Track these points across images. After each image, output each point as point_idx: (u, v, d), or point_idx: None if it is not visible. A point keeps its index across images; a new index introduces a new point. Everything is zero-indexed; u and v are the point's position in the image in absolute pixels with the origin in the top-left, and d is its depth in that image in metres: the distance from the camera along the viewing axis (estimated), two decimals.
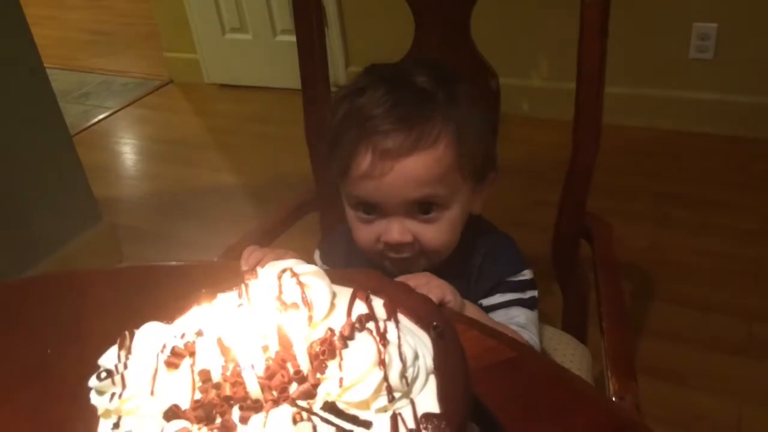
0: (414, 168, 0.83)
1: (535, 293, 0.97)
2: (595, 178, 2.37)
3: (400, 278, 0.81)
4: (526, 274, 0.97)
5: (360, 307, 0.54)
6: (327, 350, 0.48)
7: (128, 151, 3.16)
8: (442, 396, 0.46)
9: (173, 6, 3.39)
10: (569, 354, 1.18)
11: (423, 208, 0.86)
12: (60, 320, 0.80)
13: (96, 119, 3.33)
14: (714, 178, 2.40)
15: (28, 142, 2.08)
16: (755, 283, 1.92)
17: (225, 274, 0.82)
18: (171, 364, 0.48)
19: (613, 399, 0.87)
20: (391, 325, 0.50)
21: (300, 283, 0.53)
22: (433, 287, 0.79)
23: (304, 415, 0.43)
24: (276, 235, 1.26)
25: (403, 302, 0.54)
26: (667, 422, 1.58)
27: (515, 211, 2.07)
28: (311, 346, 0.49)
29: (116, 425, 0.46)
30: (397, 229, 0.86)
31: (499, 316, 0.93)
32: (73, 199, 2.22)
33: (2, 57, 1.99)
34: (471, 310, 0.83)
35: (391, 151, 0.82)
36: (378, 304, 0.55)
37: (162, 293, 0.73)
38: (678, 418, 1.58)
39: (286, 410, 0.44)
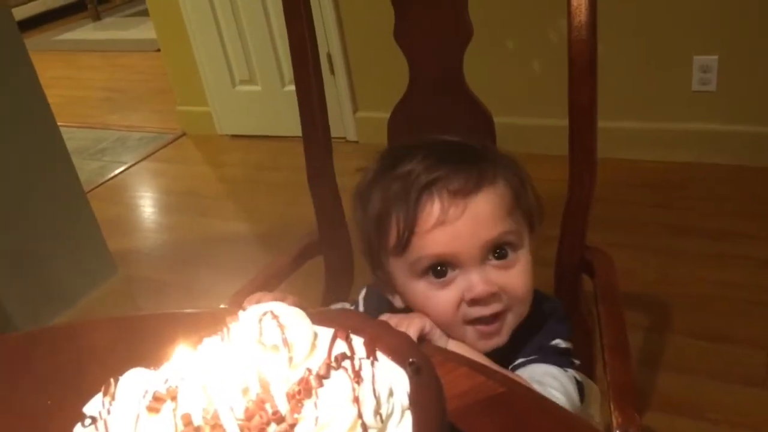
0: (485, 205, 0.81)
1: (569, 357, 0.91)
2: (603, 212, 2.38)
3: (382, 317, 0.83)
4: (563, 343, 0.91)
5: (340, 347, 0.55)
6: (303, 390, 0.49)
7: (143, 204, 3.22)
8: (417, 431, 0.47)
9: (184, 60, 3.48)
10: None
11: (499, 252, 0.82)
12: (62, 371, 0.82)
13: (112, 174, 3.40)
14: (723, 209, 2.39)
15: (43, 197, 2.13)
16: None
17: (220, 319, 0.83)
18: (152, 409, 0.49)
19: None
20: (366, 362, 0.51)
21: (280, 325, 0.54)
22: (413, 321, 0.80)
23: None
24: (281, 279, 1.27)
25: (382, 340, 0.55)
26: None
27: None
28: (291, 386, 0.51)
29: None
30: (479, 280, 0.81)
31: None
32: (89, 252, 2.26)
33: (17, 116, 2.06)
34: (454, 345, 0.83)
35: (461, 191, 0.80)
36: (358, 343, 0.56)
37: (161, 341, 0.75)
38: None
39: None
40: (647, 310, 2.00)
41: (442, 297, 0.82)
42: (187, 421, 0.49)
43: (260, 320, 0.55)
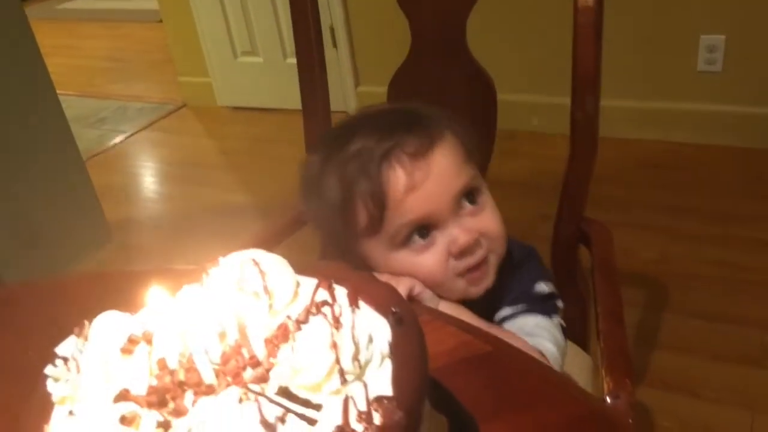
0: (444, 159, 0.81)
1: (557, 303, 0.93)
2: (605, 191, 2.37)
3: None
4: (545, 288, 0.92)
5: (323, 296, 0.54)
6: (280, 334, 0.48)
7: (142, 174, 3.20)
8: (397, 379, 0.46)
9: (186, 31, 3.45)
10: (569, 361, 1.16)
11: (469, 197, 0.84)
12: (43, 322, 0.80)
13: (111, 143, 3.38)
14: (726, 189, 2.37)
15: (41, 164, 2.13)
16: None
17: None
18: (126, 351, 0.48)
19: (608, 399, 0.86)
20: (346, 309, 0.49)
21: (261, 272, 0.53)
22: (401, 280, 0.79)
23: (251, 396, 0.43)
24: (272, 245, 1.26)
25: (365, 290, 0.54)
26: None
27: (524, 226, 2.05)
28: (269, 332, 0.49)
29: (71, 412, 0.46)
30: (461, 231, 0.82)
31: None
32: (85, 219, 2.26)
33: (17, 84, 2.05)
34: (446, 307, 0.82)
35: (418, 152, 0.80)
36: (341, 292, 0.54)
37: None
38: (691, 430, 1.55)
39: (234, 392, 0.44)
40: (645, 288, 2.00)
41: (430, 258, 0.82)
42: (162, 364, 0.48)
43: (241, 266, 0.53)
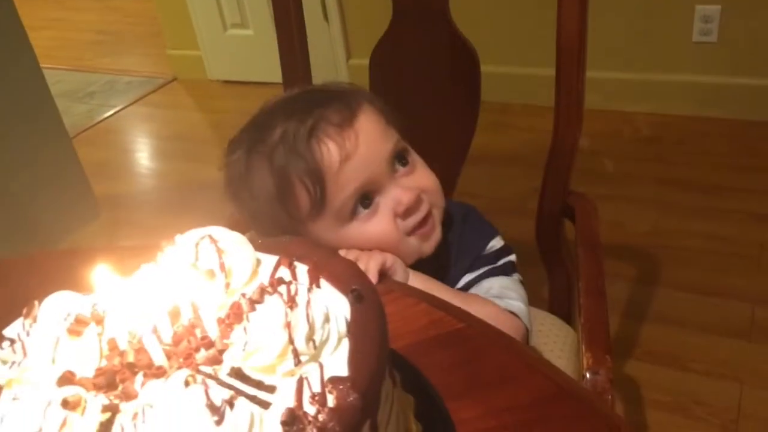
0: (369, 124, 0.81)
1: (509, 258, 0.93)
2: (596, 164, 2.34)
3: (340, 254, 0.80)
4: (495, 243, 0.94)
5: (284, 274, 0.52)
6: (233, 314, 0.46)
7: (132, 149, 3.17)
8: (353, 359, 0.44)
9: (176, 3, 3.40)
10: (553, 335, 1.16)
11: (401, 159, 0.85)
12: (14, 301, 0.79)
13: (101, 118, 3.34)
14: (720, 162, 2.35)
15: (25, 139, 2.10)
16: (759, 267, 1.88)
17: None
18: (73, 332, 0.46)
19: (588, 375, 0.85)
20: (302, 288, 0.48)
21: (218, 249, 0.51)
22: (373, 255, 0.78)
23: (198, 378, 0.42)
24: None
25: (327, 268, 0.52)
26: (666, 407, 1.55)
27: (516, 200, 2.04)
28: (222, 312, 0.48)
29: (16, 396, 0.45)
30: (402, 191, 0.83)
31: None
32: (72, 195, 2.24)
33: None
34: (417, 280, 0.81)
35: (343, 122, 0.79)
36: (302, 270, 0.53)
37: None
38: (678, 403, 1.55)
39: (182, 374, 0.42)
40: (636, 262, 1.98)
41: (378, 224, 0.83)
42: (113, 345, 0.47)
43: (197, 244, 0.52)
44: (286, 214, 0.82)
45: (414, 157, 0.87)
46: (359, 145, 0.79)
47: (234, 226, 1.15)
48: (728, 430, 1.47)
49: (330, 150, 0.78)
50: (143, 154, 3.12)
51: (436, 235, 0.86)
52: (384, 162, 0.82)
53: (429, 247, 0.86)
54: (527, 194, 2.23)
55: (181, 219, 2.49)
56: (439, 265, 0.90)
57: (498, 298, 0.87)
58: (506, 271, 0.91)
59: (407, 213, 0.83)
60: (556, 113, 1.15)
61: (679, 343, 1.70)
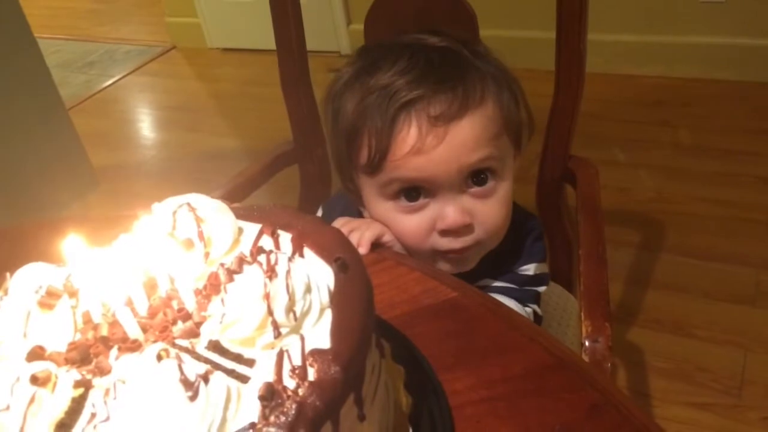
0: (469, 130, 0.73)
1: (536, 288, 0.88)
2: (601, 129, 2.30)
3: (338, 221, 0.78)
4: (531, 269, 0.87)
5: (266, 243, 0.50)
6: (210, 285, 0.44)
7: (131, 119, 3.14)
8: (335, 331, 0.42)
9: None
10: (553, 303, 1.14)
11: (478, 179, 0.76)
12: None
13: (100, 88, 3.31)
14: (727, 126, 2.30)
15: (21, 111, 2.08)
16: (765, 232, 1.85)
17: None
18: (45, 305, 0.44)
19: (587, 342, 0.83)
20: (283, 257, 0.45)
21: (197, 218, 0.49)
22: (371, 225, 0.76)
23: (172, 352, 0.40)
24: (253, 187, 1.22)
25: (311, 236, 0.50)
26: (670, 374, 1.54)
27: (521, 167, 2.00)
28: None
29: None
30: (453, 209, 0.74)
31: None
32: (69, 166, 2.22)
33: None
34: None
35: (442, 116, 0.72)
36: (286, 239, 0.51)
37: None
38: (682, 369, 1.54)
39: (155, 348, 0.40)
40: (641, 228, 1.96)
41: (412, 223, 0.77)
42: (87, 318, 0.45)
43: (174, 213, 0.49)
44: (348, 153, 0.79)
45: (498, 184, 0.77)
46: (438, 147, 0.72)
47: (236, 192, 1.15)
48: (732, 396, 1.46)
49: (408, 135, 0.72)
50: (143, 124, 3.09)
51: (465, 267, 0.80)
52: (455, 172, 0.74)
53: (450, 271, 0.78)
54: (529, 160, 2.19)
55: (181, 189, 2.47)
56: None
57: None
58: (524, 299, 0.86)
59: (445, 233, 0.76)
60: (557, 76, 1.12)
61: (682, 309, 1.68)
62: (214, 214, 0.50)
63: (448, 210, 0.75)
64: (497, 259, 0.85)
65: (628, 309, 1.70)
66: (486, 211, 0.77)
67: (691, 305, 1.69)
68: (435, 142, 0.72)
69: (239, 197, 1.17)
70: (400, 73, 0.74)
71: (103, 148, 2.67)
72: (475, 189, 0.76)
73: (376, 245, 0.75)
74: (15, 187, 2.04)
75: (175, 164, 2.65)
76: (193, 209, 0.49)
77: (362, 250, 0.73)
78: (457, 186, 0.75)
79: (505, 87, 0.78)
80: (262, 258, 0.45)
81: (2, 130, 2.00)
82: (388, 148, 0.73)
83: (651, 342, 1.62)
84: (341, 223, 0.78)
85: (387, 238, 0.77)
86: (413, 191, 0.76)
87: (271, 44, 1.28)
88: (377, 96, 0.74)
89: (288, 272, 0.44)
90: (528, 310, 0.86)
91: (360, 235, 0.75)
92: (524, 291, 0.86)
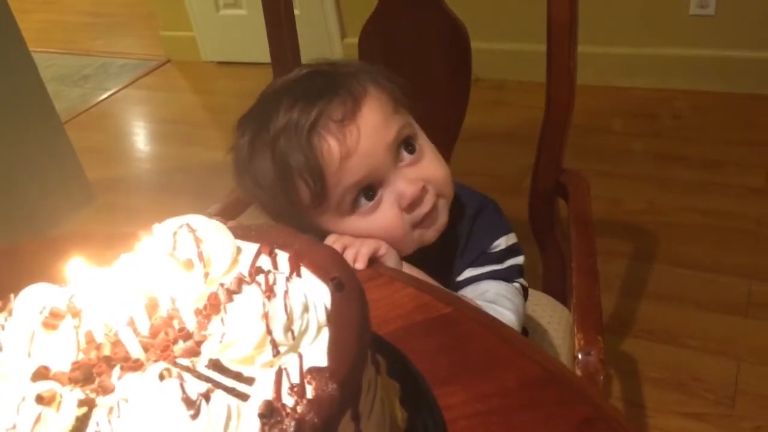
0: (373, 115, 0.79)
1: (516, 261, 0.91)
2: (593, 140, 2.32)
3: (330, 238, 0.79)
4: (502, 242, 0.91)
5: (264, 263, 0.51)
6: (210, 305, 0.45)
7: (126, 132, 3.15)
8: (332, 349, 0.44)
9: None
10: (547, 316, 1.15)
11: (407, 146, 0.82)
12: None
13: (95, 101, 3.32)
14: (717, 137, 2.33)
15: (16, 125, 2.08)
16: (756, 242, 1.87)
17: None
18: (48, 326, 0.46)
19: (580, 356, 0.85)
20: (281, 277, 0.47)
21: (196, 239, 0.50)
22: (366, 241, 0.77)
23: (174, 371, 0.41)
24: (249, 203, 1.23)
25: (308, 256, 0.51)
26: (664, 384, 1.55)
27: (511, 178, 2.03)
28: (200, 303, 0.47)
29: None
30: (405, 184, 0.80)
31: (467, 293, 0.87)
32: (64, 180, 2.23)
33: None
34: (407, 269, 0.80)
35: (345, 117, 0.77)
36: (283, 258, 0.52)
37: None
38: (675, 379, 1.55)
39: (157, 368, 0.42)
40: (632, 238, 1.98)
41: (382, 217, 0.81)
42: (90, 338, 0.46)
43: (175, 234, 0.51)
44: (288, 204, 0.81)
45: (422, 142, 0.84)
46: (360, 140, 0.77)
47: (232, 207, 1.16)
48: (725, 406, 1.47)
49: (330, 147, 0.77)
50: (138, 138, 3.10)
51: (440, 222, 0.84)
52: (386, 152, 0.79)
53: (431, 235, 0.84)
54: (522, 172, 2.22)
55: (177, 202, 2.49)
56: (445, 255, 0.89)
57: (492, 303, 0.84)
58: (510, 275, 0.89)
59: (412, 206, 0.81)
60: (548, 90, 1.14)
61: (675, 319, 1.70)
62: (213, 235, 0.52)
63: (401, 186, 0.80)
64: (466, 245, 0.90)
65: (621, 320, 1.71)
66: (428, 171, 0.83)
67: (683, 315, 1.70)
68: (354, 138, 0.77)
69: (234, 213, 1.18)
70: (289, 110, 0.78)
71: (99, 162, 2.68)
72: (409, 157, 0.82)
73: (374, 261, 0.77)
74: (10, 201, 2.05)
75: (170, 177, 2.66)
76: (192, 230, 0.51)
77: (359, 265, 0.75)
78: (393, 163, 0.81)
79: (375, 74, 0.84)
80: (260, 278, 0.47)
81: None
82: (322, 169, 0.77)
83: (644, 352, 1.63)
84: (332, 240, 0.80)
85: (383, 251, 0.79)
86: (368, 190, 0.80)
87: (266, 57, 1.30)
88: (284, 138, 0.78)
89: (286, 292, 0.45)
90: (516, 285, 0.89)
91: (356, 251, 0.76)
92: (507, 268, 0.90)
